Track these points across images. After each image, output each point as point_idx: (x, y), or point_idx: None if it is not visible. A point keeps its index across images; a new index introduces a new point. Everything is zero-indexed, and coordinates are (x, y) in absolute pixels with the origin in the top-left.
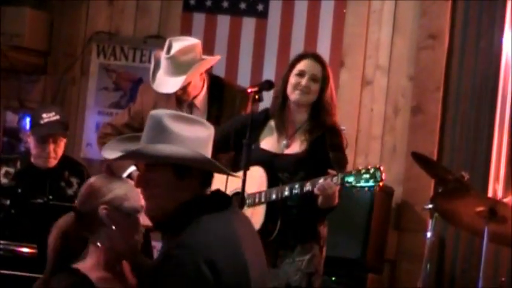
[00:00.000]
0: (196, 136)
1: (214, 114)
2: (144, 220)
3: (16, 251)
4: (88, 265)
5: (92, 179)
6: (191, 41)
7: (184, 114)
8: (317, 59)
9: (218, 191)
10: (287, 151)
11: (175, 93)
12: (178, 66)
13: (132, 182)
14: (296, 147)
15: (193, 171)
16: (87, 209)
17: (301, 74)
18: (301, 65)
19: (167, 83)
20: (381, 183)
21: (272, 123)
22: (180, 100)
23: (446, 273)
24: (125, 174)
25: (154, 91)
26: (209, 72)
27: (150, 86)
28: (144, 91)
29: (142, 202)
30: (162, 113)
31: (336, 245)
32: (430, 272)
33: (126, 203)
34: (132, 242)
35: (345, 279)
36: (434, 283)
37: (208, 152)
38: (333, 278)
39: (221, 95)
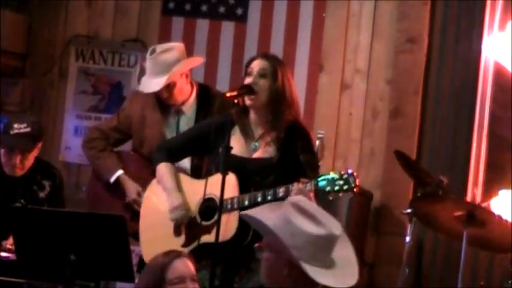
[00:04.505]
0: None
1: (201, 121)
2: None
3: None
4: None
5: None
6: (174, 44)
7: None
8: (266, 56)
9: None
10: (256, 154)
11: (160, 99)
12: (161, 65)
13: None
14: (265, 149)
15: None
16: None
17: (250, 73)
18: (251, 66)
19: (151, 82)
20: (355, 189)
21: (237, 128)
22: (167, 106)
23: (424, 277)
24: (112, 178)
25: (143, 98)
26: (199, 82)
27: (138, 92)
28: (133, 97)
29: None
30: None
31: None
32: (408, 275)
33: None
34: None
35: None
36: (412, 287)
37: None
38: None
39: (209, 104)
